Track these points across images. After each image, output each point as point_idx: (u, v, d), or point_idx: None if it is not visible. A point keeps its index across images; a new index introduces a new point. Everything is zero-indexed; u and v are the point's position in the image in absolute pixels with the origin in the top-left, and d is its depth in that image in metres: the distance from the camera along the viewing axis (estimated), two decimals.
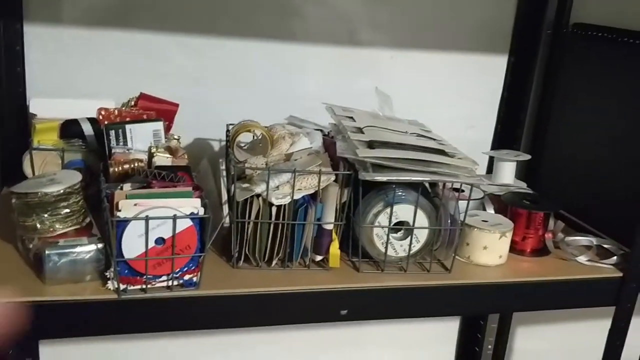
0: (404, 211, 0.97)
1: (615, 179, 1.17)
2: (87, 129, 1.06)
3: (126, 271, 0.83)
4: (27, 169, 1.02)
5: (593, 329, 1.36)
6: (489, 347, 1.59)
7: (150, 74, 1.21)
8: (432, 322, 1.58)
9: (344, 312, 0.95)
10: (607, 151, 1.20)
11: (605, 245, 1.16)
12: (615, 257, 1.10)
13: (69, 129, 1.06)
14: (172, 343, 1.39)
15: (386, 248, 0.98)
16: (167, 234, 0.83)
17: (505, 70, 1.40)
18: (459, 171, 0.96)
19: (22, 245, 0.90)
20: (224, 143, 1.21)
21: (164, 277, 0.85)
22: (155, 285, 0.85)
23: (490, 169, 1.41)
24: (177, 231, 0.83)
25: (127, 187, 0.88)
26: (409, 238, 0.98)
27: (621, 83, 1.17)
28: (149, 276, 0.84)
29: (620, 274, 1.08)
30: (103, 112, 1.07)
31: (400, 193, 0.97)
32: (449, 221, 1.00)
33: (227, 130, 1.07)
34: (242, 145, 1.09)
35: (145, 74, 1.20)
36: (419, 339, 1.58)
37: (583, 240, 1.17)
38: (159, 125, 1.00)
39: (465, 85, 1.39)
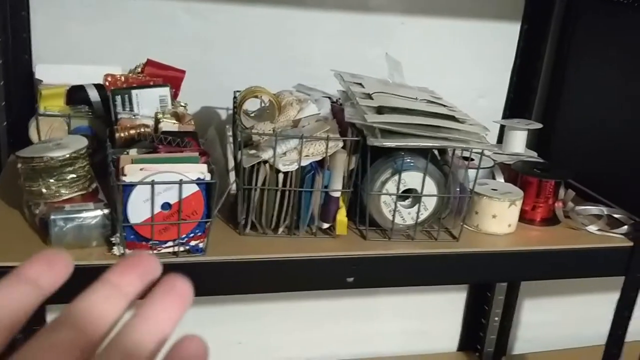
0: (412, 178, 0.96)
1: (627, 148, 1.15)
2: (94, 95, 1.05)
3: (132, 236, 0.83)
4: (34, 135, 1.01)
5: (600, 301, 1.36)
6: (496, 318, 1.59)
7: (158, 40, 1.19)
8: (438, 294, 1.58)
9: (350, 279, 0.95)
10: (618, 121, 1.18)
11: (616, 215, 1.14)
12: (625, 227, 1.09)
13: (76, 95, 1.05)
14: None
15: (394, 216, 0.97)
16: (173, 199, 0.82)
17: (518, 37, 1.38)
18: (469, 137, 0.94)
19: (28, 211, 0.90)
20: (231, 110, 1.20)
21: (170, 243, 0.85)
22: (162, 251, 0.85)
23: (501, 139, 1.39)
24: (183, 196, 0.82)
25: (133, 152, 0.88)
26: (416, 206, 0.97)
27: (635, 49, 1.15)
28: (155, 241, 0.84)
29: (631, 244, 1.07)
30: (109, 79, 1.06)
31: (408, 160, 0.96)
32: (458, 189, 0.99)
33: (234, 97, 1.06)
34: (250, 112, 1.08)
35: (152, 40, 1.19)
36: (425, 310, 1.58)
37: (593, 209, 1.16)
38: (166, 91, 0.99)
39: (477, 53, 1.37)
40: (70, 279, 0.91)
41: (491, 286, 1.55)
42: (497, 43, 1.38)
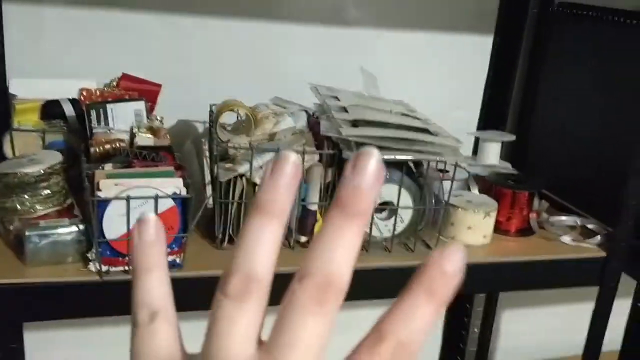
0: (388, 191, 0.97)
1: (599, 159, 1.17)
2: (69, 109, 1.05)
3: (108, 252, 0.83)
4: (7, 151, 1.00)
5: (578, 311, 1.37)
6: (475, 330, 1.59)
7: (133, 54, 1.19)
8: None
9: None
10: (591, 132, 1.20)
11: (589, 225, 1.16)
12: (598, 237, 1.11)
13: (50, 109, 1.04)
14: None
15: (370, 228, 0.97)
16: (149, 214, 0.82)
17: (490, 50, 1.40)
18: (443, 150, 0.96)
19: (2, 227, 0.89)
20: (208, 124, 1.20)
21: None
22: None
23: (476, 151, 1.41)
24: (159, 211, 0.82)
25: (108, 167, 0.87)
26: (393, 218, 0.98)
27: (607, 62, 1.17)
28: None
29: (604, 254, 1.08)
30: (84, 93, 1.05)
31: (384, 173, 0.96)
32: (433, 201, 1.00)
33: (211, 110, 1.06)
34: (227, 126, 1.08)
35: (128, 54, 1.19)
36: None
37: (567, 220, 1.17)
38: (141, 105, 0.99)
39: (451, 66, 1.39)
40: (47, 296, 0.89)
41: (470, 298, 1.55)
42: (471, 56, 1.39)
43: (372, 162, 0.28)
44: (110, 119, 0.98)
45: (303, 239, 0.98)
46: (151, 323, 0.30)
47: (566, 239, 1.10)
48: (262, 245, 0.28)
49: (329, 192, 0.96)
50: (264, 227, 0.28)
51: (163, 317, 0.30)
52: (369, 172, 0.28)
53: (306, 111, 1.11)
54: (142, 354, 0.30)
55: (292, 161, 0.29)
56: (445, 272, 0.28)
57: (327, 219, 0.28)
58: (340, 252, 0.28)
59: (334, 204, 0.28)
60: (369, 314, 1.58)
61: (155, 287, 0.31)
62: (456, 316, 1.60)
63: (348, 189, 0.28)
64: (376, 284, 0.98)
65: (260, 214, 0.29)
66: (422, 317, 0.29)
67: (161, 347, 0.30)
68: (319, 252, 0.28)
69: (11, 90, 1.08)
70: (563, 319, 1.66)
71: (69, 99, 1.05)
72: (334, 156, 0.94)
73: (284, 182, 0.28)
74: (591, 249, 1.09)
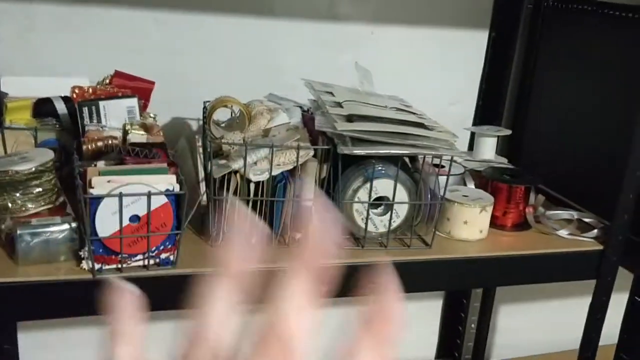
0: (383, 186, 0.96)
1: (595, 153, 1.17)
2: (61, 107, 1.04)
3: (101, 250, 0.82)
4: None
5: (575, 306, 1.36)
6: (472, 325, 1.59)
7: (126, 51, 1.18)
8: (414, 302, 1.58)
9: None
10: (587, 125, 1.19)
11: (586, 219, 1.16)
12: (595, 230, 1.10)
13: (42, 107, 1.03)
14: (153, 326, 1.38)
15: (366, 224, 0.97)
16: (141, 211, 0.81)
17: (486, 45, 1.39)
18: (438, 144, 0.95)
19: None
20: (202, 121, 1.20)
21: (140, 256, 0.84)
22: (131, 265, 0.84)
23: (472, 146, 1.40)
24: (152, 208, 0.81)
25: (100, 164, 0.86)
26: (389, 213, 0.97)
27: (603, 56, 1.17)
28: (124, 255, 0.83)
29: (601, 247, 1.08)
30: (77, 90, 1.04)
31: (379, 168, 0.96)
32: (429, 196, 1.00)
33: (204, 107, 1.06)
34: (220, 123, 1.07)
35: (120, 51, 1.18)
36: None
37: (564, 214, 1.17)
38: (133, 102, 0.98)
39: (446, 61, 1.38)
40: (40, 294, 0.89)
41: (467, 293, 1.55)
42: (466, 51, 1.39)
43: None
44: (102, 116, 0.97)
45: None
46: None
47: (563, 232, 1.10)
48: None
49: (324, 187, 0.96)
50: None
51: None
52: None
53: (301, 107, 1.10)
54: None
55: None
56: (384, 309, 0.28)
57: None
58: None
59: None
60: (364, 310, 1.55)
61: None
62: (453, 311, 1.60)
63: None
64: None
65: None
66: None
67: None
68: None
69: (2, 89, 1.07)
70: (560, 313, 1.66)
71: (61, 97, 1.04)
72: (328, 151, 0.94)
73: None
74: (588, 242, 1.09)
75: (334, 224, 0.28)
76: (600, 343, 1.16)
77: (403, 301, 0.28)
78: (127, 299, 0.29)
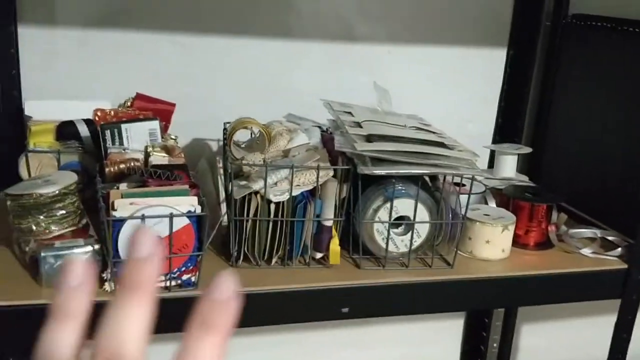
0: (404, 206, 0.96)
1: (618, 169, 1.16)
2: (83, 130, 1.05)
3: None
4: (23, 172, 1.01)
5: (599, 324, 1.34)
6: (495, 345, 1.57)
7: (146, 74, 1.20)
8: (436, 321, 1.57)
9: (345, 310, 0.94)
10: (608, 142, 1.18)
11: (609, 237, 1.14)
12: (619, 249, 1.09)
13: (65, 130, 1.05)
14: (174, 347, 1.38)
15: (387, 244, 0.96)
16: (163, 232, 0.82)
17: (504, 62, 1.39)
18: (459, 163, 0.95)
19: (18, 249, 0.89)
20: (222, 142, 1.20)
21: (162, 277, 0.84)
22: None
23: (491, 164, 1.40)
24: (174, 230, 0.82)
25: (123, 186, 0.87)
26: (410, 233, 0.97)
27: (622, 72, 1.16)
28: None
29: (625, 266, 1.06)
30: (99, 113, 1.06)
31: (400, 187, 0.96)
32: (450, 215, 0.99)
33: (224, 129, 1.06)
34: (241, 143, 1.08)
35: (141, 74, 1.19)
36: (423, 338, 1.56)
37: (587, 232, 1.16)
38: (155, 124, 0.99)
39: (465, 79, 1.38)
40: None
41: (489, 312, 1.53)
42: (484, 69, 1.39)
43: (145, 236, 0.30)
44: (124, 138, 0.98)
45: (318, 255, 0.97)
46: None
47: (586, 251, 1.08)
48: (60, 349, 0.29)
49: (344, 207, 0.96)
50: (58, 330, 0.29)
51: None
52: (142, 245, 0.30)
53: (320, 127, 1.10)
54: None
55: (80, 263, 0.30)
56: (215, 302, 0.29)
57: (113, 300, 0.30)
58: (127, 328, 0.29)
59: (119, 286, 0.30)
60: (387, 329, 1.56)
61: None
62: (475, 331, 1.58)
63: (125, 265, 0.30)
64: (393, 300, 0.97)
65: (54, 318, 0.30)
66: (205, 349, 0.29)
67: None
68: (107, 331, 0.29)
69: (26, 112, 1.09)
70: (584, 333, 1.63)
71: (84, 120, 1.05)
72: (348, 171, 0.94)
73: (73, 285, 0.30)
74: (612, 261, 1.07)
75: (150, 259, 0.29)
76: None
77: (236, 300, 0.29)
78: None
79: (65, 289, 0.30)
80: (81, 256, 0.29)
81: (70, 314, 0.29)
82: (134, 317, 0.29)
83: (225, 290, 0.29)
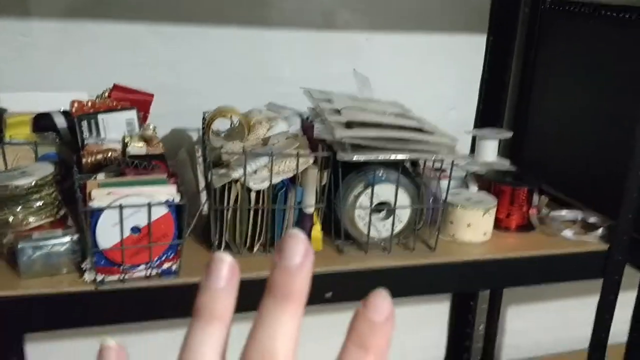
0: (385, 191, 0.96)
1: (598, 152, 1.16)
2: (60, 122, 1.04)
3: (102, 262, 0.82)
4: (0, 164, 1.00)
5: (583, 306, 1.36)
6: (481, 327, 1.58)
7: (124, 65, 1.18)
8: (422, 306, 1.57)
9: (328, 294, 0.94)
10: (588, 125, 1.19)
11: (590, 219, 1.15)
12: (600, 230, 1.10)
13: (42, 122, 1.04)
14: (159, 335, 1.37)
15: (369, 229, 0.96)
16: (142, 222, 0.81)
17: (484, 49, 1.39)
18: (439, 148, 0.95)
19: None
20: (201, 132, 1.20)
21: (142, 267, 0.84)
22: (134, 275, 0.84)
23: (473, 149, 1.40)
24: (152, 219, 0.81)
25: (100, 176, 0.86)
26: (391, 218, 0.97)
27: (601, 57, 1.16)
28: (126, 266, 0.82)
29: (606, 246, 1.07)
30: (76, 105, 1.04)
31: (380, 173, 0.96)
32: (431, 200, 0.99)
33: (203, 118, 1.06)
34: (220, 133, 1.07)
35: (118, 65, 1.18)
36: (409, 323, 1.57)
37: (568, 214, 1.16)
38: (132, 114, 0.99)
39: (445, 66, 1.38)
40: (43, 307, 0.88)
41: (474, 295, 1.54)
42: (465, 55, 1.39)
43: (299, 243, 0.28)
44: (101, 129, 0.97)
45: None
46: None
47: (567, 233, 1.09)
48: (205, 353, 0.28)
49: (325, 194, 0.96)
50: (205, 333, 0.28)
51: None
52: (297, 252, 0.28)
53: (300, 115, 1.10)
54: None
55: (227, 262, 0.29)
56: (374, 323, 0.28)
57: (261, 307, 0.28)
58: (278, 338, 0.27)
59: (266, 292, 0.28)
60: None
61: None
62: (461, 314, 1.59)
63: (277, 273, 0.28)
64: (376, 285, 0.97)
65: (199, 320, 0.28)
66: None
67: None
68: (258, 342, 0.28)
69: (2, 104, 1.08)
70: (568, 314, 1.65)
71: (61, 111, 1.04)
72: (328, 159, 0.94)
73: (220, 286, 0.28)
74: (593, 242, 1.08)
75: None
76: (610, 342, 1.15)
77: (394, 322, 0.28)
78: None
79: (211, 290, 0.28)
80: (227, 256, 0.27)
81: (217, 315, 0.28)
82: (285, 327, 0.28)
83: (384, 310, 0.28)
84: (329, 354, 0.29)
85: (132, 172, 0.86)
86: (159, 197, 0.81)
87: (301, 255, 0.28)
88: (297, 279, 0.28)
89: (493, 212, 1.05)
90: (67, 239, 0.84)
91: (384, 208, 0.98)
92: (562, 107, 1.26)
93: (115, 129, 0.97)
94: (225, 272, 0.28)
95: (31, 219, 0.85)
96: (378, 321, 0.28)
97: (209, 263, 0.28)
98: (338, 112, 1.01)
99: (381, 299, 0.28)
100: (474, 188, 1.14)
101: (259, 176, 0.92)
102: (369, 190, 0.95)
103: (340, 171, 0.94)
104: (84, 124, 0.96)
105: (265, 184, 0.91)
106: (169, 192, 0.83)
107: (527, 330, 1.67)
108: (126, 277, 0.83)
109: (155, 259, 0.84)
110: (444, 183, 1.01)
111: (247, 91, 1.24)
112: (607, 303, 1.11)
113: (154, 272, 0.84)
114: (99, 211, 0.79)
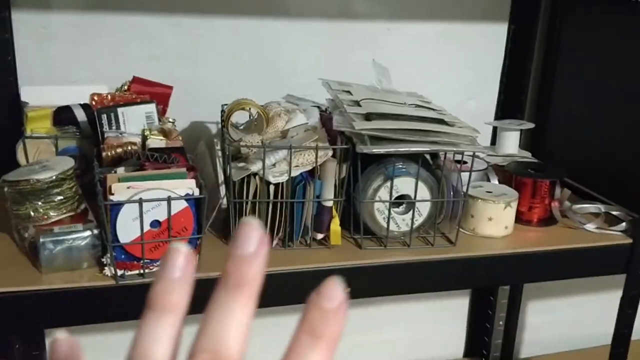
0: (404, 184, 0.95)
1: (621, 144, 1.14)
2: (81, 115, 1.04)
3: (123, 256, 0.82)
4: (21, 158, 1.00)
5: (605, 300, 1.34)
6: (500, 322, 1.57)
7: (143, 57, 1.18)
8: (441, 300, 1.57)
9: (347, 290, 0.93)
10: (611, 116, 1.17)
11: (614, 212, 1.13)
12: (624, 224, 1.08)
13: (62, 115, 1.04)
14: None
15: (388, 223, 0.96)
16: (162, 216, 0.81)
17: (506, 38, 1.37)
18: (459, 140, 0.93)
19: (17, 235, 0.89)
20: (220, 124, 1.19)
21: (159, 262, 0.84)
22: (153, 270, 0.84)
23: (494, 141, 1.39)
24: (172, 213, 0.81)
25: (120, 170, 0.87)
26: (411, 212, 0.96)
27: (624, 45, 1.14)
28: (146, 260, 0.83)
29: (630, 240, 1.05)
30: (96, 98, 1.05)
31: (400, 166, 0.95)
32: (452, 193, 0.98)
33: (222, 110, 1.05)
34: (239, 125, 1.07)
35: (138, 58, 1.18)
36: (428, 317, 1.56)
37: (590, 207, 1.15)
38: (152, 107, 0.98)
39: (466, 55, 1.36)
40: (64, 302, 0.89)
41: (494, 290, 1.53)
42: (485, 44, 1.37)
43: (253, 231, 0.28)
44: (121, 122, 0.97)
45: (319, 236, 0.96)
46: None
47: (590, 227, 1.07)
48: (158, 344, 0.27)
49: (344, 187, 0.95)
50: (159, 323, 0.27)
51: None
52: (250, 241, 0.27)
53: (319, 107, 1.09)
54: None
55: (183, 252, 0.28)
56: (326, 310, 0.27)
57: (213, 297, 0.27)
58: (230, 328, 0.27)
59: (219, 282, 0.28)
60: (391, 309, 1.56)
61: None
62: (480, 309, 1.58)
63: (230, 262, 0.27)
64: (396, 279, 0.96)
65: (153, 310, 0.27)
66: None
67: None
68: (210, 332, 0.27)
69: (23, 98, 1.08)
70: (590, 309, 1.63)
71: (81, 105, 1.04)
72: (347, 151, 0.93)
73: (176, 276, 0.27)
74: (616, 236, 1.06)
75: None
76: (633, 337, 1.14)
77: (346, 310, 0.28)
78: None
79: (166, 280, 0.28)
80: (183, 246, 0.26)
81: (170, 308, 0.27)
82: (237, 317, 0.27)
83: (335, 298, 0.27)
84: (351, 348, 0.29)
85: (152, 165, 0.86)
86: (179, 191, 0.81)
87: (255, 243, 0.27)
88: (250, 267, 0.27)
89: (514, 205, 1.03)
90: (87, 233, 0.84)
91: (404, 201, 0.97)
92: (585, 97, 1.24)
93: (134, 122, 0.97)
94: (181, 261, 0.28)
95: (52, 213, 0.85)
96: (330, 308, 0.27)
97: (166, 253, 0.28)
98: (357, 103, 1.00)
99: (334, 286, 0.28)
100: (494, 180, 1.13)
101: (278, 169, 0.91)
102: (388, 184, 0.94)
103: (360, 164, 0.93)
104: (104, 117, 0.96)
105: (284, 177, 0.90)
106: (188, 185, 0.83)
107: (548, 325, 1.65)
108: (146, 271, 0.83)
109: None
110: (464, 175, 1.00)
111: (265, 83, 1.23)
112: (631, 298, 1.09)
113: None
114: (119, 205, 0.79)
